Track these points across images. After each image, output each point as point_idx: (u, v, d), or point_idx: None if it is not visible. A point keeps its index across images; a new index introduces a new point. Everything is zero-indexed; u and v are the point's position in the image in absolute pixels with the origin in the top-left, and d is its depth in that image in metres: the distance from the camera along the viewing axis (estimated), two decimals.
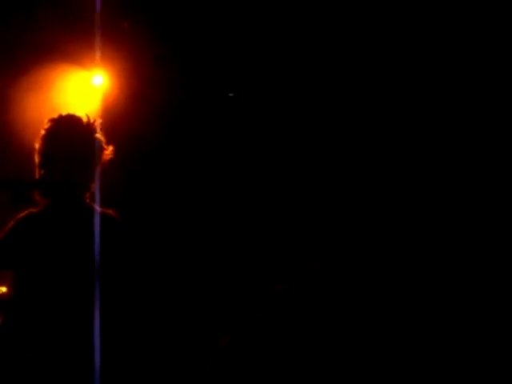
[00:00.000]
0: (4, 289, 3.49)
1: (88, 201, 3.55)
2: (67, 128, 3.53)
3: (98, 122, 3.60)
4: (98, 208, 3.52)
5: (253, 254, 5.32)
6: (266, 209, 5.53)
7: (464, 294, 4.86)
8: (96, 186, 3.55)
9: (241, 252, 5.42)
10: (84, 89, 5.63)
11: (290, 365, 2.73)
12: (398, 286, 4.71)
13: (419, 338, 4.51)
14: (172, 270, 5.34)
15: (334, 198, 5.38)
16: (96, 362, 3.32)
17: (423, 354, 4.48)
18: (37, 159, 3.55)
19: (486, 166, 5.14)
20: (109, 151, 3.59)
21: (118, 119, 5.36)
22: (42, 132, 3.56)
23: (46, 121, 3.58)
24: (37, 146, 3.55)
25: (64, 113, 3.60)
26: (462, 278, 4.92)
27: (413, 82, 5.35)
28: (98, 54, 5.34)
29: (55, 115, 3.59)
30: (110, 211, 3.55)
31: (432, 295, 4.83)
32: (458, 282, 4.91)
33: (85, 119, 3.56)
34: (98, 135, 3.57)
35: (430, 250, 5.04)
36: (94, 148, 3.53)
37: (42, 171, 3.53)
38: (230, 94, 5.79)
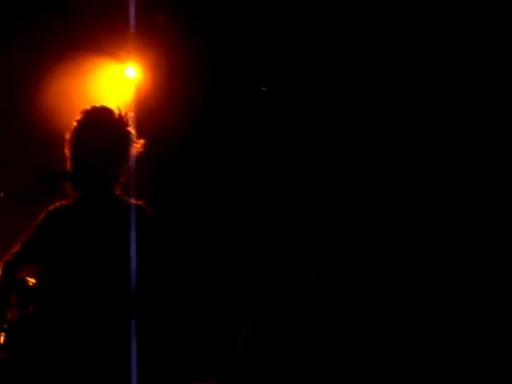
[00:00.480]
0: (33, 280, 3.49)
1: (118, 193, 3.55)
2: (98, 120, 3.52)
3: (130, 114, 3.59)
4: (131, 200, 3.52)
5: (274, 246, 5.34)
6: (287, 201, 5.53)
7: (467, 293, 4.83)
8: (130, 179, 3.54)
9: (261, 244, 5.42)
10: (117, 81, 5.64)
11: (312, 356, 2.71)
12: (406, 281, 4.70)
13: (426, 336, 4.49)
14: (198, 262, 5.34)
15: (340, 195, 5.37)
16: (132, 360, 3.31)
17: (432, 353, 4.46)
18: (67, 151, 3.55)
19: (486, 166, 5.09)
20: (140, 145, 3.58)
21: (150, 113, 5.36)
22: (74, 123, 3.56)
23: (78, 112, 3.58)
24: (68, 137, 3.55)
25: (96, 104, 3.59)
26: (464, 277, 4.89)
27: (413, 82, 5.31)
28: (132, 47, 5.35)
29: (87, 106, 3.59)
30: (141, 203, 3.55)
31: (435, 294, 4.81)
32: (461, 281, 4.88)
33: (116, 112, 3.55)
34: (130, 128, 3.56)
35: (431, 249, 5.01)
36: (124, 141, 3.52)
37: (73, 163, 3.53)
38: (263, 88, 5.77)
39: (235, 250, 5.50)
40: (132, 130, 3.57)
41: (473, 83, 5.14)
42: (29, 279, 3.47)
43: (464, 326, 4.73)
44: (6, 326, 3.41)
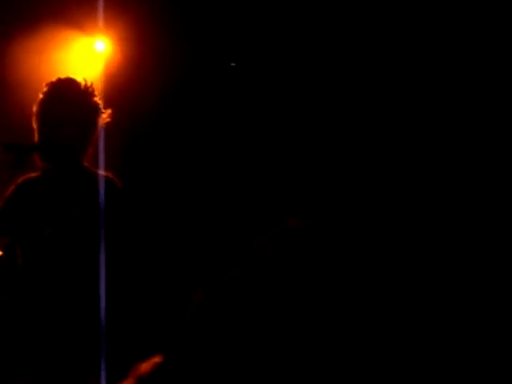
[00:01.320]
0: (0, 252, 3.49)
1: (86, 164, 3.55)
2: (64, 91, 3.51)
3: (96, 85, 3.58)
4: (100, 171, 3.52)
5: (230, 208, 5.36)
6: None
7: (461, 288, 4.86)
8: (99, 150, 3.54)
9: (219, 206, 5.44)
10: (86, 55, 5.59)
11: (263, 324, 2.70)
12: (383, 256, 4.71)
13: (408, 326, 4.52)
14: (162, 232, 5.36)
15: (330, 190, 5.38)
16: (101, 324, 3.32)
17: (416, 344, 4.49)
18: (35, 123, 3.53)
19: (486, 166, 5.12)
20: (107, 114, 3.58)
21: (120, 86, 5.32)
22: (40, 96, 3.55)
23: (43, 84, 3.57)
24: (35, 109, 3.54)
25: (61, 76, 3.58)
26: (459, 272, 4.92)
27: (413, 82, 5.32)
28: (100, 20, 5.30)
29: (53, 79, 3.57)
30: (109, 174, 3.55)
31: (429, 289, 4.84)
32: (455, 276, 4.91)
33: (82, 83, 3.54)
34: (96, 99, 3.55)
35: (428, 247, 5.04)
36: (91, 112, 3.51)
37: (40, 135, 3.52)
38: (232, 64, 5.75)
39: (193, 216, 5.51)
40: (99, 100, 3.56)
41: (473, 83, 5.15)
42: None
43: (455, 323, 4.75)
44: None
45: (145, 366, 3.36)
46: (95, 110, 3.53)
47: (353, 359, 2.76)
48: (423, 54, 5.28)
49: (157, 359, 3.20)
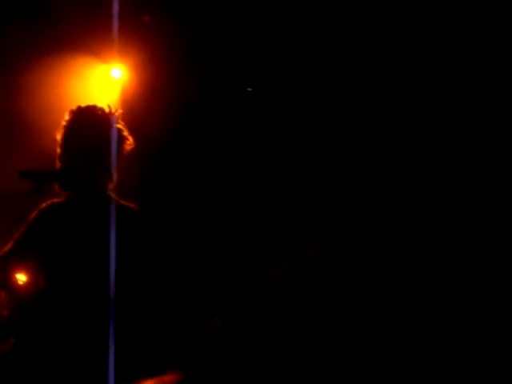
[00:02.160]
0: (24, 278, 3.48)
1: (110, 193, 3.53)
2: (87, 119, 3.52)
3: (119, 111, 3.57)
4: (119, 201, 3.51)
5: (246, 235, 5.34)
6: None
7: (462, 288, 4.83)
8: (117, 178, 3.52)
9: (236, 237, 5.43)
10: (103, 82, 5.60)
11: (281, 350, 2.70)
12: (396, 281, 4.68)
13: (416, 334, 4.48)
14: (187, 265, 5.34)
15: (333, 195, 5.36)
16: (111, 354, 3.31)
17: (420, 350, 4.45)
18: (58, 151, 3.53)
19: (486, 166, 5.10)
20: (131, 141, 3.57)
21: (137, 113, 5.31)
22: (63, 123, 3.54)
23: (66, 112, 3.56)
24: (58, 137, 3.53)
25: (84, 104, 3.57)
26: (460, 273, 4.89)
27: (413, 82, 5.31)
28: (116, 47, 5.30)
29: (75, 107, 3.57)
30: (133, 205, 3.54)
31: (431, 292, 4.80)
32: (457, 278, 4.88)
33: (106, 109, 3.53)
34: (120, 125, 3.55)
35: (428, 248, 5.01)
36: (115, 139, 3.50)
37: (62, 163, 3.51)
38: (249, 89, 5.75)
39: (210, 242, 5.49)
40: (122, 127, 3.55)
41: (473, 83, 5.14)
42: (19, 277, 3.47)
43: (452, 324, 4.73)
44: None
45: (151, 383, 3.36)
46: (118, 138, 3.52)
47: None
48: (423, 55, 5.27)
49: (164, 378, 3.19)
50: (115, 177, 3.52)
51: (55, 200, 3.57)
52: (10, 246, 3.57)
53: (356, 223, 5.21)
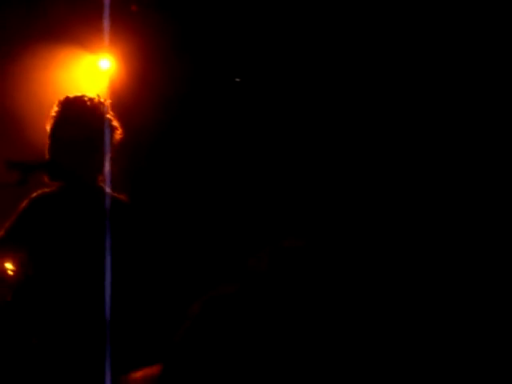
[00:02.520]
0: (12, 266, 3.48)
1: (101, 183, 3.52)
2: (76, 110, 3.49)
3: (108, 101, 3.55)
4: (109, 191, 3.50)
5: (227, 223, 5.35)
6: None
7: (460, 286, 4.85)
8: (107, 169, 3.52)
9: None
10: (91, 72, 5.58)
11: (260, 338, 2.71)
12: (381, 271, 4.70)
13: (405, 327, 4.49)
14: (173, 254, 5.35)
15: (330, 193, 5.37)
16: (107, 349, 3.31)
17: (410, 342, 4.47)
18: (47, 141, 3.52)
19: (486, 166, 5.11)
20: (120, 131, 3.56)
21: (125, 103, 5.30)
22: (52, 114, 3.52)
23: (55, 103, 3.54)
24: (47, 127, 3.52)
25: (73, 94, 3.55)
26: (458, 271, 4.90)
27: (413, 82, 5.32)
28: (105, 38, 5.28)
29: (63, 97, 3.55)
30: (123, 196, 3.54)
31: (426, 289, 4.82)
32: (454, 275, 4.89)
33: (95, 99, 3.51)
34: (109, 115, 3.53)
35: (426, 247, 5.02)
36: (104, 129, 3.48)
37: (52, 153, 3.50)
38: (237, 79, 5.74)
39: (192, 231, 5.50)
40: (111, 117, 3.54)
41: (473, 83, 5.15)
42: (9, 267, 3.46)
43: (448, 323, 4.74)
44: None
45: (138, 375, 3.37)
46: (107, 128, 3.50)
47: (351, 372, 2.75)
48: (423, 55, 5.28)
49: (151, 370, 3.20)
50: (106, 167, 3.50)
51: (46, 190, 3.55)
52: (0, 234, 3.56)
53: (337, 215, 5.22)
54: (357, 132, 5.41)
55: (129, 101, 5.45)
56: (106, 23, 5.11)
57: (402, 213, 5.15)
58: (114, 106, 3.78)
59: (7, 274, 3.45)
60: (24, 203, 3.56)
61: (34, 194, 3.56)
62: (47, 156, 3.52)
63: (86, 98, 3.52)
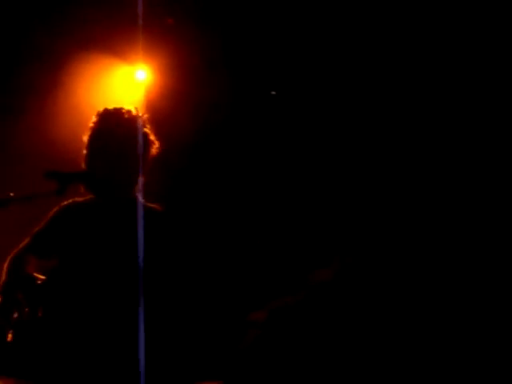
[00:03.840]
0: (41, 276, 3.46)
1: (136, 195, 3.51)
2: (113, 122, 3.49)
3: (146, 115, 3.56)
4: (143, 201, 3.49)
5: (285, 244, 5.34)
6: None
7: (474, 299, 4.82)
8: (142, 181, 3.51)
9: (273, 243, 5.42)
10: (127, 83, 5.63)
11: (320, 355, 2.72)
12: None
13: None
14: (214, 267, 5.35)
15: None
16: (140, 356, 3.28)
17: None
18: (84, 152, 3.52)
19: (486, 166, 5.08)
20: (157, 145, 3.56)
21: (161, 115, 5.33)
22: (90, 125, 3.53)
23: (93, 115, 3.55)
24: (84, 138, 3.53)
25: (111, 106, 3.56)
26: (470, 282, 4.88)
27: (413, 83, 5.30)
28: (142, 49, 5.33)
29: (101, 109, 3.55)
30: (156, 206, 3.52)
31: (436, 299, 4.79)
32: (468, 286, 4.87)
33: (132, 112, 3.52)
34: (146, 129, 3.54)
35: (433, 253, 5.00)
36: (141, 143, 3.49)
37: (88, 164, 3.50)
38: (273, 93, 5.76)
39: (245, 247, 5.49)
40: (149, 131, 3.55)
41: (473, 83, 5.12)
42: (37, 276, 3.43)
43: (470, 333, 4.71)
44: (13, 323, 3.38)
45: None
46: (144, 141, 3.51)
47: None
48: (423, 55, 5.26)
49: None
50: (141, 179, 3.50)
51: (78, 199, 3.55)
52: (27, 240, 3.53)
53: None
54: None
55: (165, 112, 5.49)
56: (143, 35, 5.16)
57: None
58: (149, 117, 3.80)
59: (36, 284, 3.42)
60: (54, 211, 3.55)
61: (65, 203, 3.53)
62: (83, 166, 3.52)
63: (123, 111, 3.52)
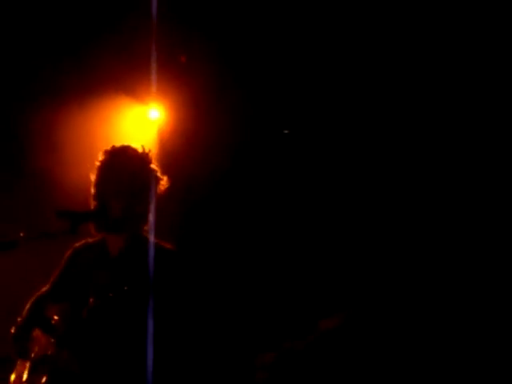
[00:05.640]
0: (56, 317, 3.49)
1: (146, 233, 3.51)
2: (120, 160, 3.49)
3: (153, 152, 3.56)
4: (154, 240, 3.48)
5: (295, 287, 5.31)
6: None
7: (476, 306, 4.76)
8: (152, 218, 3.50)
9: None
10: (140, 122, 5.64)
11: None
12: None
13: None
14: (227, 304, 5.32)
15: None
16: None
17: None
18: (92, 191, 3.52)
19: (486, 167, 5.03)
20: (165, 181, 3.55)
21: (174, 154, 5.34)
22: (97, 164, 3.54)
23: (100, 152, 3.56)
24: (92, 177, 3.53)
25: (118, 144, 3.57)
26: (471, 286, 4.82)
27: (413, 83, 5.27)
28: (154, 88, 5.35)
29: (109, 147, 3.56)
30: (169, 245, 3.51)
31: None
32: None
33: (139, 150, 3.52)
34: (153, 166, 3.53)
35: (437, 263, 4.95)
36: (149, 179, 3.48)
37: (96, 203, 3.50)
38: (286, 131, 5.75)
39: (256, 290, 5.46)
40: (156, 167, 3.54)
41: (473, 83, 5.09)
42: (53, 317, 3.47)
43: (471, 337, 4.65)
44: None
45: None
46: (152, 178, 3.50)
47: None
48: (423, 55, 5.23)
49: None
50: (150, 217, 3.49)
51: (89, 240, 3.57)
52: (47, 287, 3.60)
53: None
54: None
55: (178, 150, 5.49)
56: (156, 74, 5.17)
57: None
58: (162, 155, 3.78)
59: (51, 323, 3.46)
60: (67, 255, 3.60)
61: (77, 244, 3.58)
62: (92, 205, 3.52)
63: (130, 148, 3.52)
